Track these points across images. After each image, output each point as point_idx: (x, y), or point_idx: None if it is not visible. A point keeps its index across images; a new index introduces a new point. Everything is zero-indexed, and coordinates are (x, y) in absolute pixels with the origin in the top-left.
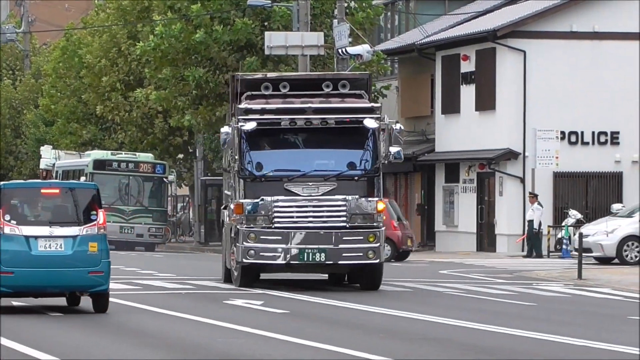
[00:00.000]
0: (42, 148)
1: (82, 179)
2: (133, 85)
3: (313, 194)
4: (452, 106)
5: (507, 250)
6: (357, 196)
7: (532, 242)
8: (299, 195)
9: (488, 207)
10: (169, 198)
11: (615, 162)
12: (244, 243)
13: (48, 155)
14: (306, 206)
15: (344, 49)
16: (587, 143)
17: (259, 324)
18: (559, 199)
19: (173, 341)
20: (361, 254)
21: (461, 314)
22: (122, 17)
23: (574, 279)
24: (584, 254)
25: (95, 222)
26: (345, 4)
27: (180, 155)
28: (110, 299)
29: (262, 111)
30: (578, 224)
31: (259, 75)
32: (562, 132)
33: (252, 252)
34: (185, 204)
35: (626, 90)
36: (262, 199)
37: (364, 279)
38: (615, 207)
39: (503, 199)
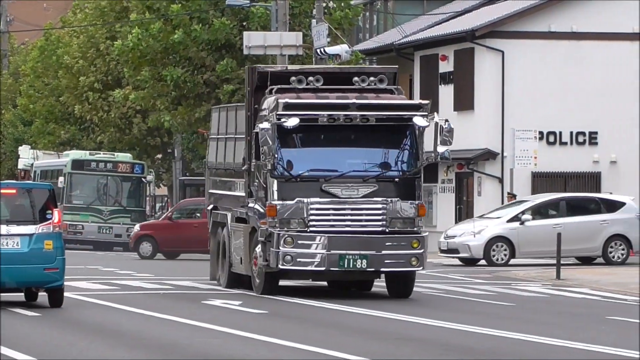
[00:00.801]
0: (20, 148)
1: (61, 179)
2: (111, 85)
3: (353, 196)
4: (430, 106)
5: None
6: (397, 198)
7: None
8: (338, 197)
9: (467, 207)
10: (148, 198)
11: (594, 162)
12: (280, 248)
13: (26, 155)
14: (344, 209)
15: (322, 49)
16: (566, 143)
17: (238, 324)
18: None
19: (150, 341)
20: (404, 261)
21: (440, 314)
22: (101, 17)
23: (553, 279)
24: (450, 255)
25: (50, 221)
26: (324, 4)
27: (159, 156)
28: (89, 299)
29: (310, 106)
30: None
31: (279, 67)
32: (541, 132)
33: (289, 257)
34: (163, 204)
35: (605, 91)
36: (298, 201)
37: (395, 286)
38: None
39: (481, 199)
